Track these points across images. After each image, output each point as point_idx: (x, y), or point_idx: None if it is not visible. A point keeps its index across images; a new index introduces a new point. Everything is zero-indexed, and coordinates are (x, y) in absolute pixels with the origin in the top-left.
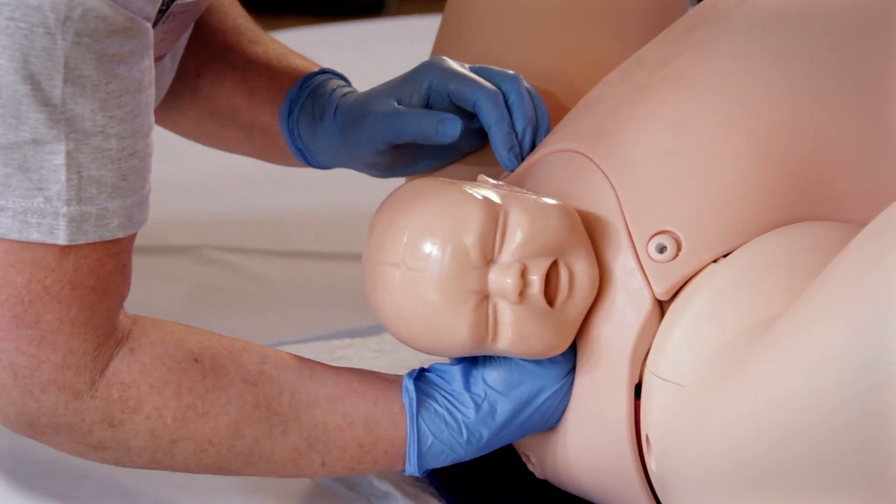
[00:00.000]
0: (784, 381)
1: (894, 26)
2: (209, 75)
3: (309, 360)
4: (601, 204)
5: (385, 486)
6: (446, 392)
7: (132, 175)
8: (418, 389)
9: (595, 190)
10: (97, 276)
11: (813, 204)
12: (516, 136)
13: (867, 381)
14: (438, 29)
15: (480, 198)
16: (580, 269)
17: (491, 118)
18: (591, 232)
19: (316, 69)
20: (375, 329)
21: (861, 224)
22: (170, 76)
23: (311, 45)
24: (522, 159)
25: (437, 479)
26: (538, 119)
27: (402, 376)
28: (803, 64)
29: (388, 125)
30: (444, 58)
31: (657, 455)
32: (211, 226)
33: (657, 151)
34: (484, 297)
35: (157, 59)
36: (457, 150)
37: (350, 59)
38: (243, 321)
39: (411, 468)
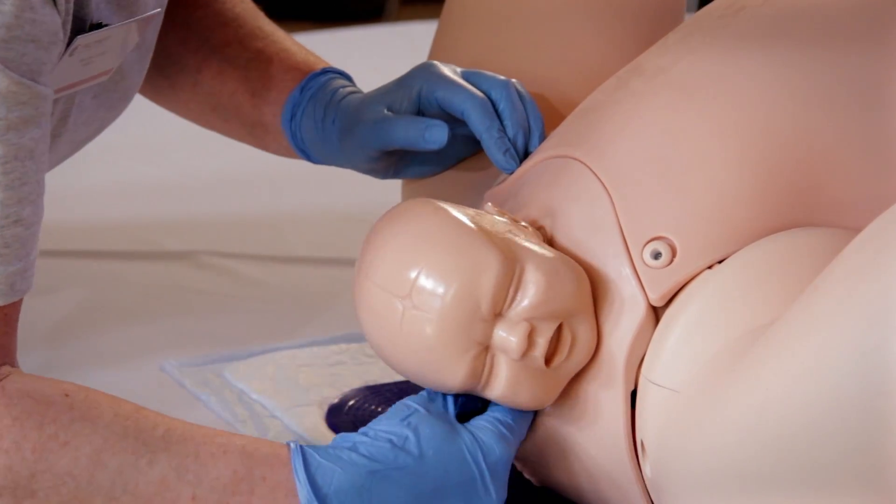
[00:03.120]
0: (778, 387)
1: (891, 32)
2: (210, 72)
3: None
4: (596, 210)
5: None
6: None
7: (15, 243)
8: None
9: (590, 196)
10: None
11: (808, 210)
12: (509, 140)
13: (861, 386)
14: (435, 33)
15: (499, 251)
16: (582, 334)
17: (480, 126)
18: (587, 238)
19: (318, 68)
20: None
21: (856, 230)
22: (137, 78)
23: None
24: (520, 161)
25: None
26: (531, 123)
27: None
28: (799, 71)
29: (377, 132)
30: (436, 63)
31: (652, 460)
32: (207, 230)
33: (653, 158)
34: (485, 349)
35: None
36: (453, 155)
37: (349, 65)
38: (239, 327)
39: (303, 495)
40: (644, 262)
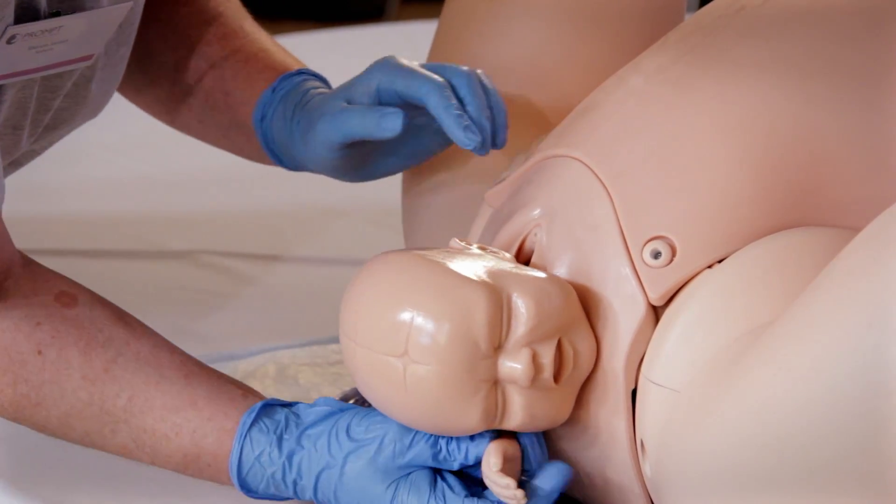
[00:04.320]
0: (778, 387)
1: (891, 32)
2: (187, 72)
3: (168, 366)
4: (596, 209)
5: None
6: (298, 422)
7: None
8: (269, 412)
9: (590, 195)
10: None
11: (808, 210)
12: (471, 119)
13: (860, 386)
14: (435, 33)
15: (482, 285)
16: (581, 343)
17: (439, 107)
18: (586, 237)
19: (293, 69)
20: None
21: (856, 230)
22: (111, 86)
23: (310, 50)
24: (485, 142)
25: None
26: (494, 112)
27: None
28: (800, 70)
29: (335, 125)
30: (395, 56)
31: (652, 460)
32: (207, 229)
33: (652, 157)
34: (494, 384)
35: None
36: (423, 150)
37: (349, 65)
38: (239, 326)
39: (237, 486)
40: (644, 262)
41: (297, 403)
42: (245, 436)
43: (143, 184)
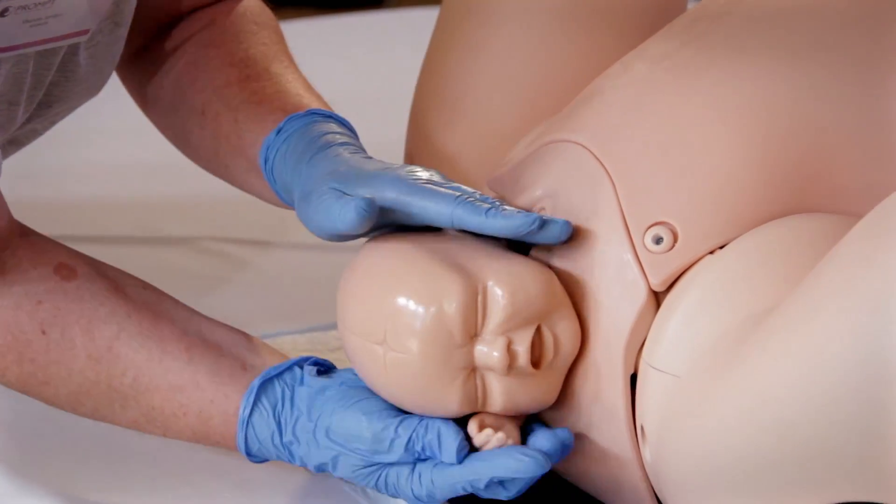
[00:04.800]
0: (779, 373)
1: (893, 21)
2: (210, 114)
3: (170, 340)
4: (598, 195)
5: None
6: (293, 408)
7: None
8: (267, 391)
9: (592, 181)
10: None
11: (810, 196)
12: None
13: (863, 372)
14: (437, 19)
15: (457, 275)
16: (563, 330)
17: (442, 211)
18: (588, 223)
19: (302, 109)
20: None
21: (857, 217)
22: (107, 65)
23: (311, 37)
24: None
25: None
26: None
27: (264, 370)
28: (803, 57)
29: (318, 219)
30: (412, 169)
31: (652, 445)
32: (208, 215)
33: (655, 143)
34: (472, 371)
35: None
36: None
37: (350, 52)
38: (240, 312)
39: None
40: (645, 247)
41: (292, 371)
42: (247, 423)
43: (144, 169)
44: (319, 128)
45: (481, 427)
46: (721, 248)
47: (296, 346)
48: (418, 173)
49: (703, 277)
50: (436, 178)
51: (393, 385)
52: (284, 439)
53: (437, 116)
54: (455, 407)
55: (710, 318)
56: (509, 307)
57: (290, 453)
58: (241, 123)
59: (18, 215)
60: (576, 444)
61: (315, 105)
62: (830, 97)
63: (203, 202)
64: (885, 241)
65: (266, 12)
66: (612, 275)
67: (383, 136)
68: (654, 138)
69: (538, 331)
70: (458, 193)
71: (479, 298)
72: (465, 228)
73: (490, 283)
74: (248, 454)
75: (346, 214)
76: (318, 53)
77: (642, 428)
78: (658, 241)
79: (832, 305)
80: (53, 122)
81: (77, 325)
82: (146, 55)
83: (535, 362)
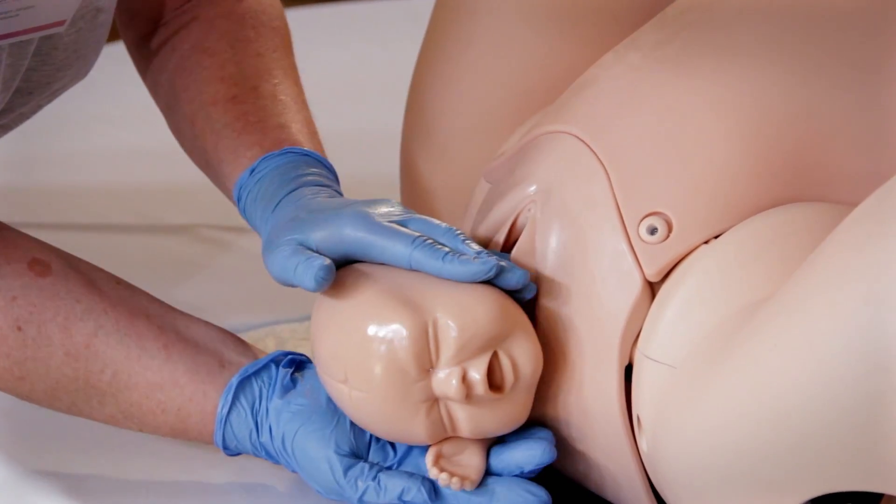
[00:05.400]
0: (773, 363)
1: (890, 8)
2: (198, 128)
3: (147, 336)
4: (592, 185)
5: None
6: (268, 413)
7: None
8: (245, 389)
9: (586, 171)
10: None
11: (806, 185)
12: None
13: (855, 362)
14: (432, 12)
15: (406, 311)
16: (520, 353)
17: (400, 259)
18: (583, 213)
19: (280, 148)
20: None
21: (853, 205)
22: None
23: (310, 26)
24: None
25: None
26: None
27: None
28: (797, 46)
29: (274, 268)
30: (367, 208)
31: (648, 436)
32: (207, 203)
33: (649, 133)
34: (434, 402)
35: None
36: None
37: (350, 40)
38: (239, 300)
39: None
40: (640, 238)
41: (268, 368)
42: (225, 421)
43: (142, 157)
44: (291, 170)
45: (436, 461)
46: (716, 237)
47: (295, 333)
48: (379, 210)
49: (699, 267)
50: (396, 215)
51: (361, 420)
52: (262, 439)
53: (432, 108)
54: (423, 437)
55: (706, 309)
56: (460, 338)
57: (267, 452)
58: (221, 152)
59: (13, 203)
60: (571, 435)
61: (296, 137)
62: (824, 85)
63: (202, 190)
64: (879, 230)
65: (270, 10)
66: (606, 265)
67: (383, 125)
68: (648, 128)
69: (495, 356)
70: (417, 235)
71: (431, 332)
72: (423, 271)
73: (440, 314)
74: (225, 448)
75: (304, 280)
76: (318, 43)
77: (638, 418)
78: (653, 231)
79: (825, 295)
80: (40, 106)
81: (54, 321)
82: (145, 45)
83: (498, 387)
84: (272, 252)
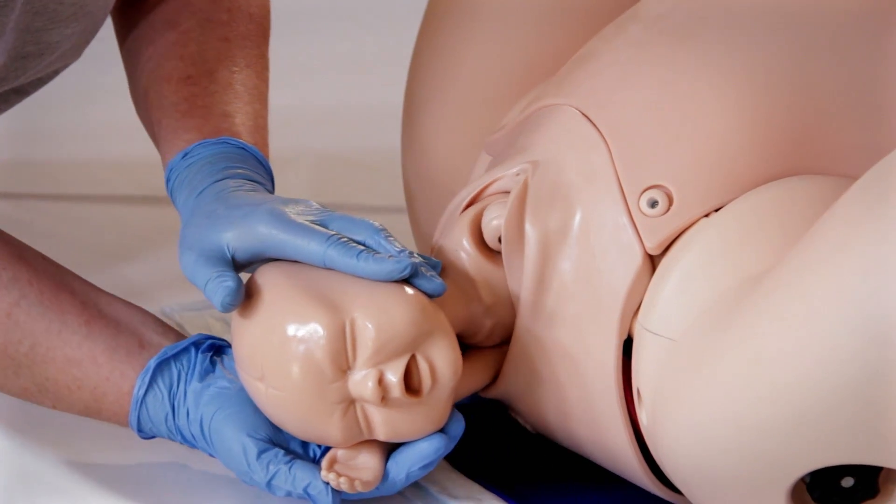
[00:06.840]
0: (773, 336)
1: None
2: (148, 102)
3: (70, 311)
4: (593, 158)
5: None
6: (185, 396)
7: None
8: (163, 372)
9: (587, 144)
10: None
11: (806, 159)
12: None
13: (854, 335)
14: (426, 7)
15: (323, 311)
16: (438, 357)
17: (314, 257)
18: (583, 186)
19: (216, 136)
20: None
21: (853, 179)
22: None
23: (307, 15)
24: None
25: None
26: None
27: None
28: (797, 19)
29: (180, 257)
30: (279, 204)
31: (648, 409)
32: None
33: (650, 106)
34: (350, 403)
35: None
36: None
37: (347, 30)
38: None
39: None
40: (640, 211)
41: (188, 352)
42: (141, 402)
43: (144, 130)
44: (222, 160)
45: (330, 465)
46: (716, 210)
47: None
48: (296, 208)
49: (699, 240)
50: (313, 213)
51: (278, 419)
52: (178, 422)
53: (429, 92)
54: (338, 438)
55: (706, 281)
56: (377, 340)
57: (182, 436)
58: (163, 130)
59: (18, 174)
60: (568, 407)
61: (237, 128)
62: (825, 59)
63: None
64: (879, 203)
65: None
66: (607, 238)
67: (384, 99)
68: (649, 101)
69: (413, 359)
70: (332, 233)
71: (348, 332)
72: (337, 269)
73: (357, 315)
74: (139, 431)
75: (213, 301)
76: (315, 33)
77: (638, 391)
78: (653, 204)
79: (826, 268)
80: (57, 71)
81: None
82: (127, 12)
83: (415, 390)
84: (186, 252)
